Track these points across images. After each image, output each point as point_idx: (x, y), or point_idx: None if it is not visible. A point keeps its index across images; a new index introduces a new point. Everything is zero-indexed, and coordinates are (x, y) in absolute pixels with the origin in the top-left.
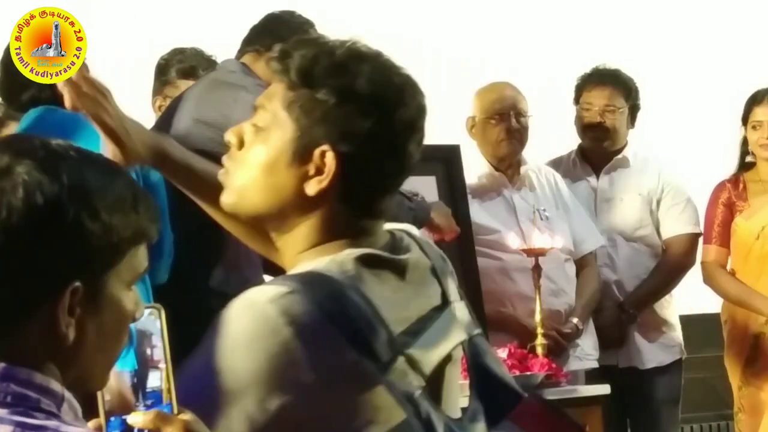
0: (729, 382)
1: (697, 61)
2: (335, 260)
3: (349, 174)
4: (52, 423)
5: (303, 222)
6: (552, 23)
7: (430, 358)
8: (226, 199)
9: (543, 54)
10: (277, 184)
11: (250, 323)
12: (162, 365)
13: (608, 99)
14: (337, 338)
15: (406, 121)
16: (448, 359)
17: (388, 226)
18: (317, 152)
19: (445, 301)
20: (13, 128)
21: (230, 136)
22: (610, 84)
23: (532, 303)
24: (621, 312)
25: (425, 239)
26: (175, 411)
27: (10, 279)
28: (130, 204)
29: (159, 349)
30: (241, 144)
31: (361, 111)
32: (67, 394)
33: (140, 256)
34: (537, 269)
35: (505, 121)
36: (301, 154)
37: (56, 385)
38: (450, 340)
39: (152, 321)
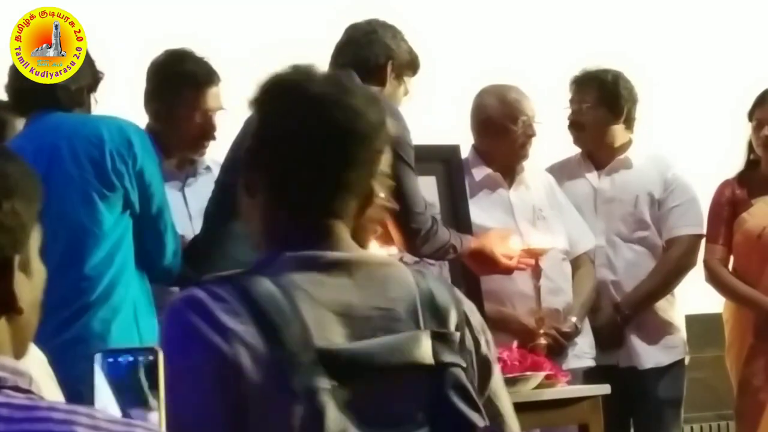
0: (730, 382)
1: (701, 60)
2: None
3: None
4: (42, 401)
5: None
6: (554, 22)
7: (355, 361)
8: None
9: (545, 54)
10: None
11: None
12: (153, 405)
13: (578, 95)
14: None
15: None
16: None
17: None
18: None
19: (418, 326)
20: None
21: None
22: (580, 81)
23: (532, 302)
24: (617, 313)
25: (437, 277)
26: None
27: None
28: (32, 187)
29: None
30: None
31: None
32: (33, 374)
33: (39, 231)
34: (537, 269)
35: (530, 126)
36: None
37: (22, 365)
38: (398, 356)
39: (140, 362)
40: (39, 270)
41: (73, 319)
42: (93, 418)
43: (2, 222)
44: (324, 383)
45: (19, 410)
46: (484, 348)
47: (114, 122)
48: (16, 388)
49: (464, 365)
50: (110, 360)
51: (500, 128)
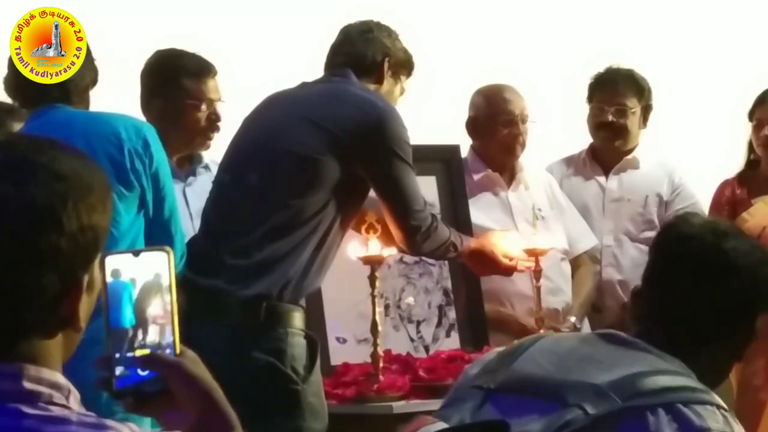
0: (730, 382)
1: (701, 60)
2: None
3: None
4: (73, 415)
5: None
6: (554, 23)
7: (512, 376)
8: None
9: (545, 54)
10: None
11: None
12: (161, 321)
13: (621, 99)
14: None
15: None
16: None
17: None
18: None
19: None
20: (15, 127)
21: None
22: (622, 84)
23: (532, 302)
24: (624, 312)
25: None
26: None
27: (36, 279)
28: (107, 197)
29: (158, 306)
30: None
31: None
32: (71, 385)
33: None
34: (537, 270)
35: (516, 125)
36: None
37: (62, 378)
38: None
39: (152, 275)
40: (97, 288)
41: (89, 321)
42: None
43: (78, 240)
44: (486, 383)
45: (49, 424)
46: None
47: (129, 121)
48: (51, 402)
49: (590, 413)
50: (124, 258)
51: (486, 128)
